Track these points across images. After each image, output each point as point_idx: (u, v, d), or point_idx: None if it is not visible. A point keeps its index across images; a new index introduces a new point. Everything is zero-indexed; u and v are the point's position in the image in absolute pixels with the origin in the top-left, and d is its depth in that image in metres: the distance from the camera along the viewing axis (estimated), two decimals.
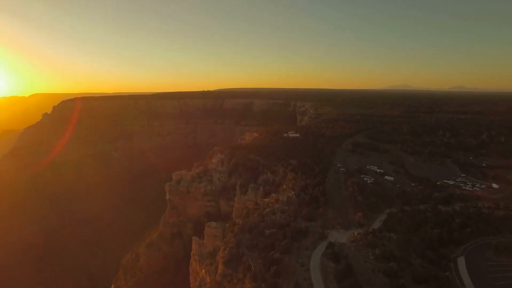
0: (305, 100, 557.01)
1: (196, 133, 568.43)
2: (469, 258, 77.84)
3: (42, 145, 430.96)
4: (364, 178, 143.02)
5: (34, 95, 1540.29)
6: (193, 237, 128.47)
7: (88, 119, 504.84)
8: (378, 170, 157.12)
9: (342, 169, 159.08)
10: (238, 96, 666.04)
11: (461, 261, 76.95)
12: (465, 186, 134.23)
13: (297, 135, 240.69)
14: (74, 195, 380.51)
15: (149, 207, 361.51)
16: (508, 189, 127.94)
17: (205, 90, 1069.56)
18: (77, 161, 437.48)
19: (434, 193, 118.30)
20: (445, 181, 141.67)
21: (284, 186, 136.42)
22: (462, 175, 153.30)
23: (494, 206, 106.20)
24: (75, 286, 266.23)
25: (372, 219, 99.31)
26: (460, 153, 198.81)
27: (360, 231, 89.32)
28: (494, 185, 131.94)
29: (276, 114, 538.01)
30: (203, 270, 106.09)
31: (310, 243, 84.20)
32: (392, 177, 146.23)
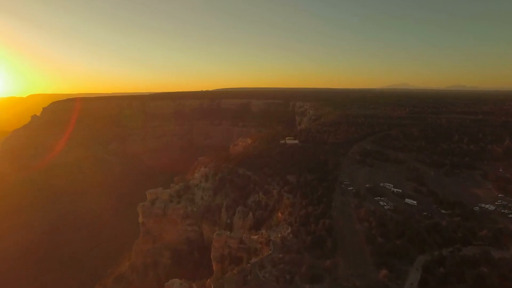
0: (305, 100, 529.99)
1: (192, 134, 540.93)
2: None
3: (30, 149, 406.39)
4: (380, 203, 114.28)
5: (32, 96, 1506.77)
6: None
7: (80, 120, 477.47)
8: (395, 190, 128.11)
9: (351, 187, 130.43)
10: (236, 96, 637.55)
11: None
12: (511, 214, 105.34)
13: (296, 141, 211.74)
14: (68, 199, 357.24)
15: None
16: None
17: (202, 90, 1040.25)
18: (70, 164, 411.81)
19: (477, 229, 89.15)
20: (483, 205, 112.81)
21: (279, 214, 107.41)
22: (500, 195, 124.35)
23: None
24: None
25: (401, 277, 69.90)
26: (485, 164, 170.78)
27: None
28: None
29: (274, 115, 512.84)
30: None
31: None
32: (414, 200, 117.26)
